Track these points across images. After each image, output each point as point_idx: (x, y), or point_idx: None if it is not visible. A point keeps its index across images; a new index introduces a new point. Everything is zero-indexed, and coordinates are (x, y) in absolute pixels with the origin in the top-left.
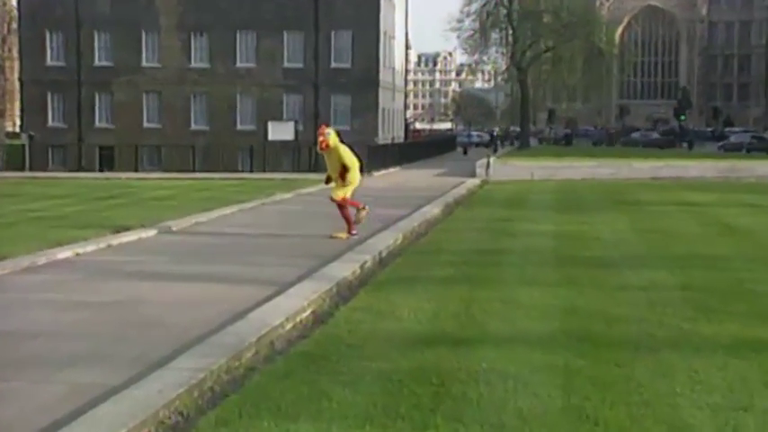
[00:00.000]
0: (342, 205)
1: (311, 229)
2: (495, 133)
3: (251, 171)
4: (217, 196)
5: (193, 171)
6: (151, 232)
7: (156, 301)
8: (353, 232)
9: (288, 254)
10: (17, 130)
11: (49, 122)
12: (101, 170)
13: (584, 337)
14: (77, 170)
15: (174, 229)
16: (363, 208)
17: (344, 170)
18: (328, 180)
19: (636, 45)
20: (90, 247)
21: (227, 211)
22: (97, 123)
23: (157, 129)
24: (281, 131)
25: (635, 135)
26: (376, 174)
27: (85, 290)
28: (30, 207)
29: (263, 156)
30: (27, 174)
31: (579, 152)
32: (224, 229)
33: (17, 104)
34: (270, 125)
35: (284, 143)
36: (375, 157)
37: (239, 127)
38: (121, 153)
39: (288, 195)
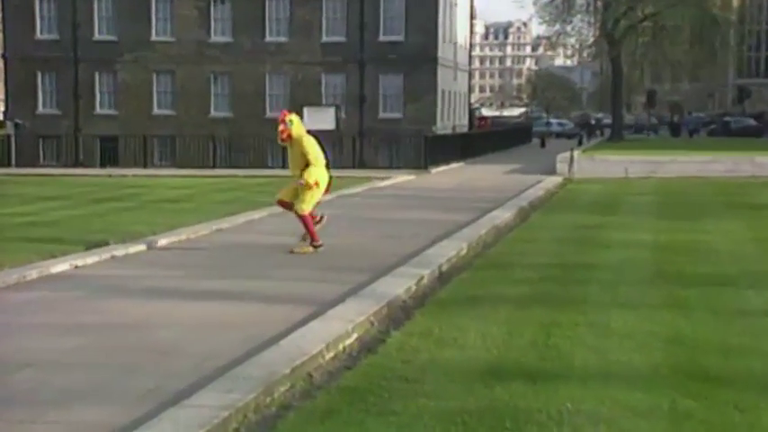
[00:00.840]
0: (305, 217)
1: (355, 237)
2: (592, 120)
3: (283, 167)
4: (242, 197)
5: (213, 167)
6: (163, 241)
7: (171, 324)
8: (318, 242)
9: (328, 266)
10: (0, 117)
11: (40, 108)
12: (102, 166)
13: (695, 373)
14: (74, 166)
15: (191, 237)
16: (316, 246)
17: (307, 167)
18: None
19: (760, 10)
20: (90, 259)
21: (255, 215)
22: (98, 109)
23: (170, 116)
24: (319, 119)
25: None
26: (434, 170)
27: (86, 310)
28: (17, 211)
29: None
30: (13, 170)
31: (686, 144)
32: (251, 238)
33: (0, 86)
34: (306, 112)
35: (324, 133)
36: (433, 151)
37: (269, 114)
38: (127, 145)
39: (329, 197)
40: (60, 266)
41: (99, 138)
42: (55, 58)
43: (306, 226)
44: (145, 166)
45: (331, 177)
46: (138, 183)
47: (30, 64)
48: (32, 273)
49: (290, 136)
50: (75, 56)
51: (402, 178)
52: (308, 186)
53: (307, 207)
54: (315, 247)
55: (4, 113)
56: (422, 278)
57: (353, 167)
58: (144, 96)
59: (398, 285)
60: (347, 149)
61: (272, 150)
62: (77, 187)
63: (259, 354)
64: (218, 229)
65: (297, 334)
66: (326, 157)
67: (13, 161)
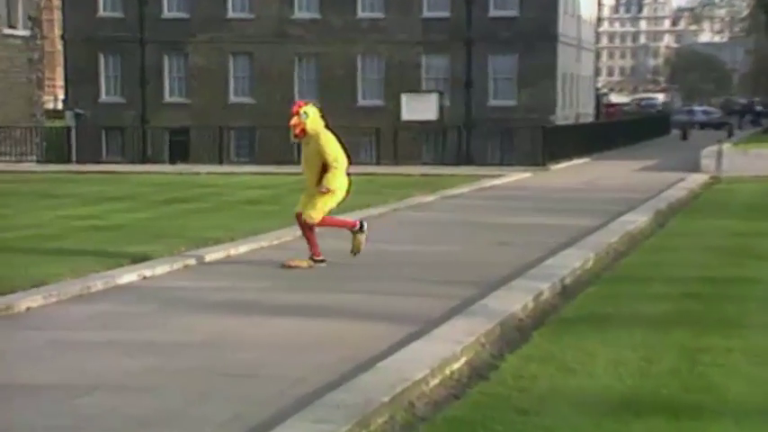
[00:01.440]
0: (309, 225)
1: (461, 245)
2: (757, 107)
3: (377, 163)
4: None
5: (299, 163)
6: (242, 248)
7: (252, 343)
8: (319, 257)
9: (432, 279)
10: (60, 106)
11: (102, 96)
12: (172, 162)
13: None
14: (141, 162)
15: (274, 243)
16: (361, 229)
17: (324, 170)
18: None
19: None
20: (161, 269)
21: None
22: (167, 97)
23: (249, 105)
24: (419, 108)
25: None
26: (553, 167)
27: (156, 326)
28: (77, 213)
29: (395, 142)
30: (73, 167)
31: None
32: (341, 245)
33: (59, 71)
34: (404, 99)
35: (424, 124)
36: (553, 144)
37: (361, 102)
38: (200, 138)
39: (430, 198)
40: (127, 276)
41: (168, 130)
42: (119, 38)
43: (307, 235)
44: (220, 162)
45: (350, 184)
46: (212, 181)
47: (91, 46)
48: (97, 283)
49: (304, 131)
50: (141, 36)
51: (516, 176)
52: (328, 193)
53: (316, 215)
54: (315, 261)
55: (64, 102)
56: (541, 293)
57: (458, 164)
58: (219, 82)
59: (513, 301)
60: (451, 143)
61: (365, 145)
62: (144, 186)
63: (353, 379)
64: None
65: (397, 356)
66: (348, 159)
67: (74, 156)
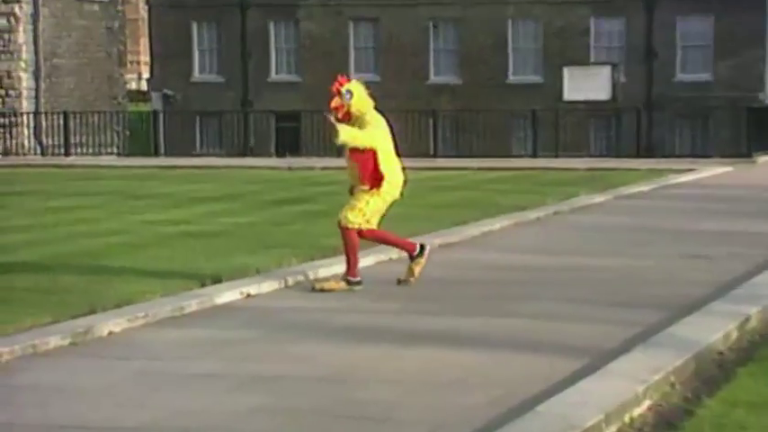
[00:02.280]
0: (350, 233)
1: (640, 257)
2: None
3: (533, 155)
4: (475, 199)
5: (434, 155)
6: (367, 260)
7: (382, 379)
8: (355, 278)
9: (605, 300)
10: (144, 86)
11: (195, 74)
12: (279, 155)
13: None
14: (242, 154)
15: (404, 255)
16: (421, 253)
17: (374, 165)
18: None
19: None
20: (268, 285)
21: (495, 224)
22: (273, 74)
23: (372, 83)
24: (586, 85)
25: None
26: (761, 159)
27: (264, 356)
28: (166, 217)
29: (555, 127)
30: (160, 161)
31: None
32: (489, 257)
33: (144, 44)
34: (567, 74)
35: (593, 105)
36: (760, 130)
37: (511, 78)
38: (313, 125)
39: (600, 198)
40: (228, 295)
41: (275, 115)
42: (215, 2)
43: (347, 246)
44: (338, 154)
45: (405, 181)
46: (329, 178)
47: (182, 13)
48: (191, 303)
49: (348, 114)
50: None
51: (711, 171)
52: (350, 223)
53: (354, 218)
54: (349, 284)
55: (149, 81)
56: (747, 319)
57: (637, 155)
58: (336, 55)
59: (711, 329)
60: (627, 129)
61: (516, 131)
62: (247, 184)
63: (508, 425)
64: (444, 244)
65: (561, 397)
66: (397, 151)
67: (162, 148)
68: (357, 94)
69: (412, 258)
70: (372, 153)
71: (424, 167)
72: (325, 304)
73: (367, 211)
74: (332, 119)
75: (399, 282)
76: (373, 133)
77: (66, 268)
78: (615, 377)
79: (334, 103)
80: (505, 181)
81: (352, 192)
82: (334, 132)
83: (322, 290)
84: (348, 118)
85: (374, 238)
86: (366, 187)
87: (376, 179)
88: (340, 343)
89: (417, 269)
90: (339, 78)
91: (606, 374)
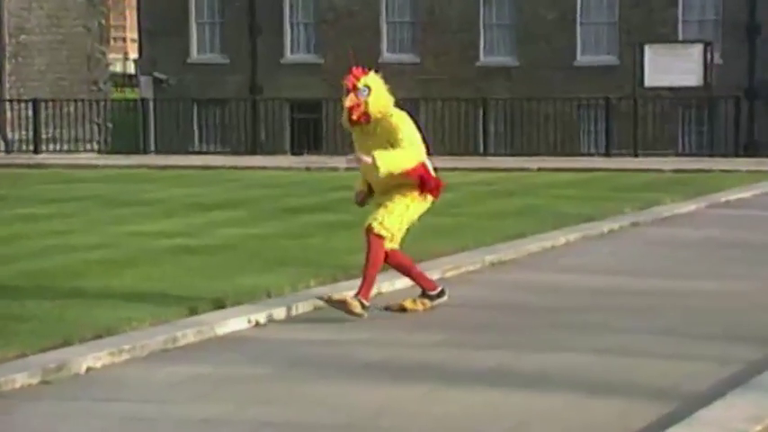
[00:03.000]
0: (379, 243)
1: (747, 282)
2: None
3: (606, 153)
4: (535, 206)
5: (484, 153)
6: (399, 282)
7: (421, 426)
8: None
9: (696, 331)
10: (131, 69)
11: (193, 54)
12: (296, 152)
13: None
14: (250, 152)
15: (448, 275)
16: (439, 296)
17: (426, 173)
18: (363, 197)
19: None
20: (280, 312)
21: (559, 238)
22: (288, 54)
23: (410, 65)
24: (672, 67)
25: None
26: None
27: (277, 399)
28: (158, 228)
29: (634, 119)
30: (150, 159)
31: None
32: (551, 277)
33: (131, 17)
34: (649, 54)
35: (681, 93)
36: None
37: (580, 59)
38: (336, 116)
39: (690, 206)
40: (232, 323)
41: (290, 103)
42: None
43: (372, 260)
44: None
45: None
46: (355, 180)
47: None
48: (187, 333)
49: (366, 115)
50: None
51: None
52: (382, 228)
53: (391, 225)
54: (363, 307)
55: (137, 63)
56: None
57: (735, 154)
58: (365, 31)
59: None
60: (724, 121)
61: (588, 123)
62: (256, 188)
63: None
64: (496, 262)
65: None
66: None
67: (152, 144)
68: (376, 90)
69: (425, 295)
70: (421, 164)
71: (473, 168)
72: (349, 336)
73: (405, 219)
74: (362, 158)
75: (389, 308)
76: (414, 142)
77: (37, 290)
78: (708, 426)
79: (349, 101)
80: (572, 185)
81: (361, 199)
82: (373, 166)
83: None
84: (366, 119)
85: (396, 264)
86: (410, 190)
87: (431, 186)
88: (368, 382)
89: (417, 307)
90: (353, 71)
91: (695, 424)
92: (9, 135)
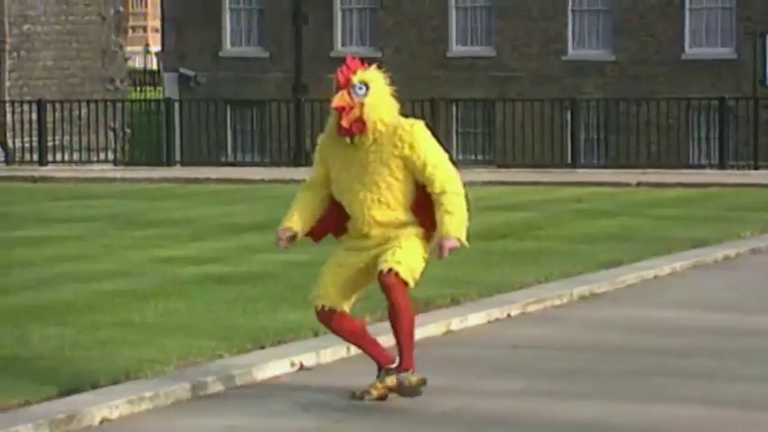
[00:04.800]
0: (406, 293)
1: None
2: None
3: (721, 165)
4: (635, 228)
5: (572, 164)
6: (472, 318)
7: None
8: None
9: None
10: (153, 64)
11: (226, 46)
12: None
13: None
14: (293, 163)
15: (531, 309)
16: (398, 369)
17: (421, 199)
18: (291, 239)
19: None
20: (330, 354)
21: (664, 267)
22: (338, 47)
23: (483, 59)
24: None
25: None
26: None
27: None
28: (184, 253)
29: (754, 124)
30: (176, 172)
31: None
32: (654, 314)
33: (154, 4)
34: None
35: None
36: None
37: (689, 51)
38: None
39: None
40: (273, 366)
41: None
42: None
43: (399, 312)
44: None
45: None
46: None
47: None
48: (219, 379)
49: (360, 123)
50: None
51: None
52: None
53: (415, 267)
54: (418, 380)
55: (160, 58)
56: None
57: None
58: (431, 19)
59: None
60: None
61: (698, 129)
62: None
63: None
64: (586, 296)
65: None
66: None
67: (177, 153)
68: (377, 90)
69: (383, 372)
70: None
71: (560, 182)
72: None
73: (422, 263)
74: (443, 250)
75: (355, 395)
76: (449, 163)
77: (42, 326)
78: None
79: (339, 100)
80: (679, 203)
81: (287, 242)
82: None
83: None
84: (360, 129)
85: (348, 330)
86: (414, 229)
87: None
88: None
89: (380, 386)
90: (348, 62)
91: None
92: (9, 143)
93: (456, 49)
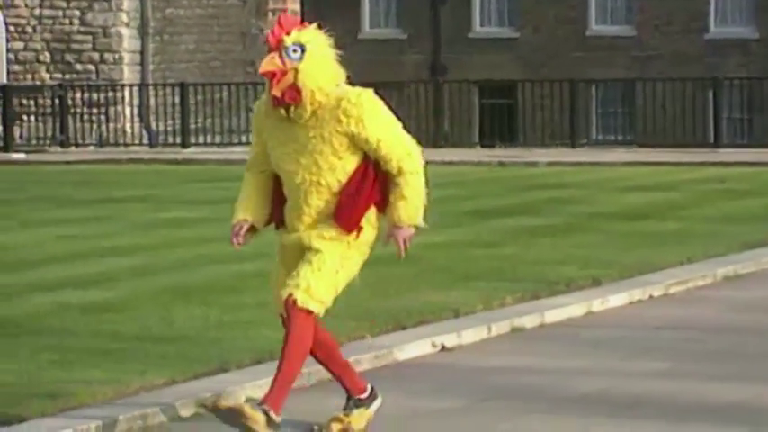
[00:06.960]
0: (309, 321)
1: None
2: None
3: None
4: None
5: (715, 144)
6: (613, 299)
7: None
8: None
9: None
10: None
11: (365, 28)
12: (487, 144)
13: None
14: (432, 144)
15: (672, 290)
16: (369, 399)
17: (371, 188)
18: (245, 232)
19: None
20: (471, 335)
21: None
22: (477, 27)
23: (623, 38)
24: None
25: None
26: None
27: None
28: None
29: None
30: None
31: None
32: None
33: None
34: None
35: None
36: None
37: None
38: (536, 102)
39: None
40: (413, 347)
41: (478, 86)
42: None
43: (290, 342)
44: (572, 144)
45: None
46: (557, 178)
47: None
48: (362, 359)
49: (295, 90)
50: None
51: None
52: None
53: (326, 294)
54: (267, 422)
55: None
56: None
57: None
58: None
59: None
60: None
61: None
62: (439, 187)
63: None
64: (731, 276)
65: None
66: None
67: None
68: (314, 54)
69: (352, 404)
70: (365, 166)
71: (701, 162)
72: (556, 363)
73: (342, 277)
74: (398, 240)
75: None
76: (407, 137)
77: (185, 307)
78: None
79: (268, 65)
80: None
81: (241, 236)
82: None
83: (213, 411)
84: (294, 98)
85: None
86: (338, 232)
87: (358, 217)
88: (581, 417)
89: (358, 418)
90: (281, 20)
91: None
92: (153, 126)
93: (595, 28)
